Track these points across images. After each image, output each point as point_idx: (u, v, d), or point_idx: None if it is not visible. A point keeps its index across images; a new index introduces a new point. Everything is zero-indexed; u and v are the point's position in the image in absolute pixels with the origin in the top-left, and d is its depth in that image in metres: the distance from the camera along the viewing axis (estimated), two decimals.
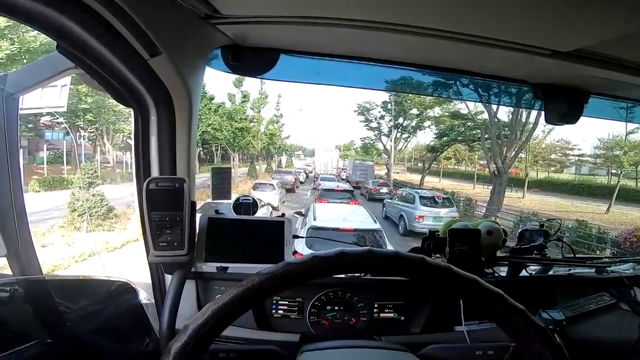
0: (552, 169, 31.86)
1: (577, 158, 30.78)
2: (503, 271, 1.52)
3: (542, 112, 1.45)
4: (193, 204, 1.04)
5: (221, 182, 1.23)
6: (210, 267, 1.18)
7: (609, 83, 1.26)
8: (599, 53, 1.04)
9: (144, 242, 1.06)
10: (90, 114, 17.25)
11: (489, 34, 0.97)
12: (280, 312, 1.30)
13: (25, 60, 11.84)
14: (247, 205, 1.30)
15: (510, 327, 0.53)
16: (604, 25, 0.85)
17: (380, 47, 1.17)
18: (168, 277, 1.13)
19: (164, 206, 0.96)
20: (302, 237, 1.65)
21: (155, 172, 1.06)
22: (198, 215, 1.09)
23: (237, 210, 1.30)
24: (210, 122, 20.07)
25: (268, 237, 1.11)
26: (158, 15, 0.82)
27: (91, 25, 0.73)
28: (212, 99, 21.13)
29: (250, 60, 1.19)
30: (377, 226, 6.22)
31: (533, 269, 1.58)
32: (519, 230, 1.61)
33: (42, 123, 18.40)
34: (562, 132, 31.01)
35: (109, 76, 0.88)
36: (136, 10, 0.75)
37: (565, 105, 1.39)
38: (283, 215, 1.15)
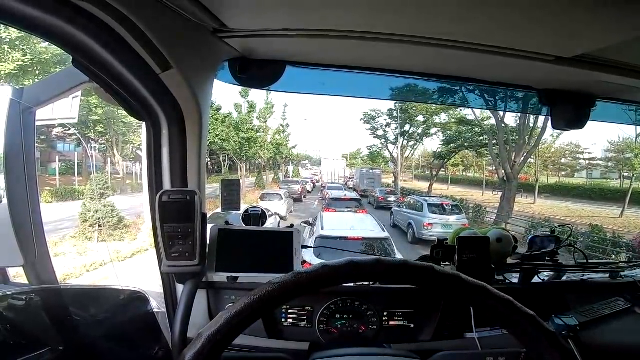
0: (563, 173, 31.43)
1: (587, 162, 30.36)
2: (515, 278, 1.50)
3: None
4: (204, 215, 1.06)
5: (230, 194, 1.25)
6: (221, 276, 1.19)
7: (614, 87, 1.26)
8: (602, 58, 1.05)
9: (156, 253, 1.08)
10: (101, 125, 17.57)
11: (492, 42, 0.98)
12: (290, 320, 1.31)
13: (37, 72, 12.10)
14: (256, 216, 1.31)
15: (520, 333, 0.53)
16: (605, 32, 0.86)
17: (386, 57, 1.19)
18: (179, 287, 1.14)
19: (176, 218, 0.98)
20: (311, 247, 1.65)
21: (167, 184, 1.08)
22: (209, 226, 1.10)
23: (246, 222, 1.32)
24: (217, 133, 20.22)
25: (277, 247, 1.12)
26: (169, 31, 0.85)
27: (106, 41, 0.75)
28: (219, 109, 21.32)
29: (257, 72, 1.21)
30: (385, 235, 6.19)
31: (545, 275, 1.57)
32: (530, 237, 1.59)
33: (54, 135, 18.79)
34: (572, 136, 30.67)
35: (123, 90, 0.91)
36: (149, 27, 0.77)
37: (571, 111, 1.38)
38: (292, 225, 1.16)
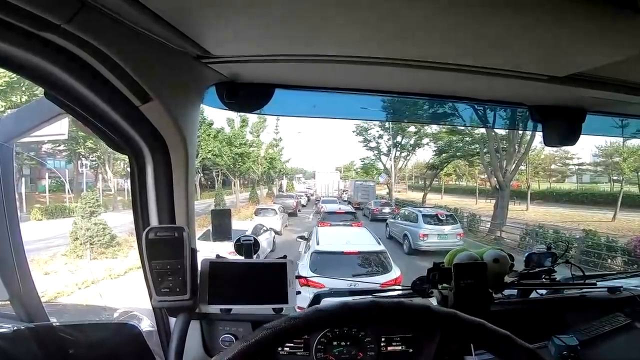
0: (553, 179, 31.94)
1: (577, 167, 30.89)
2: (513, 292, 1.49)
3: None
4: (193, 250, 1.03)
5: (221, 224, 1.23)
6: (214, 309, 1.16)
7: (604, 102, 1.27)
8: (594, 76, 1.05)
9: (146, 287, 1.05)
10: (91, 141, 17.35)
11: (484, 64, 0.98)
12: (287, 349, 1.26)
13: (24, 88, 11.99)
14: (248, 246, 1.28)
15: None
16: (596, 52, 0.87)
17: (377, 79, 1.18)
18: (172, 319, 1.11)
19: (164, 255, 0.95)
20: (305, 277, 1.62)
21: (154, 220, 1.05)
22: (200, 258, 1.07)
23: (238, 251, 1.29)
24: (210, 148, 20.16)
25: (270, 278, 1.09)
26: (148, 61, 0.82)
27: (79, 74, 0.72)
28: (211, 124, 21.28)
29: (246, 96, 1.19)
30: (381, 248, 6.18)
31: (543, 290, 1.55)
32: (526, 254, 1.59)
33: (44, 151, 18.56)
34: None
35: (101, 124, 0.88)
36: (124, 58, 0.74)
37: (563, 126, 1.38)
38: (285, 256, 1.14)
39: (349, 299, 0.56)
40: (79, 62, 0.71)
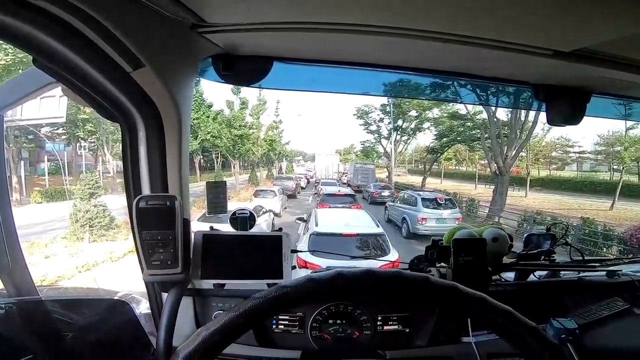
0: (554, 166, 32.00)
1: (577, 155, 30.92)
2: (510, 275, 1.48)
3: (542, 112, 1.42)
4: (186, 221, 1.01)
5: (217, 196, 1.20)
6: (208, 283, 1.14)
7: (610, 82, 1.23)
8: (601, 52, 1.01)
9: (138, 261, 1.03)
10: (90, 124, 17.30)
11: (489, 36, 0.94)
12: (281, 327, 1.26)
13: (20, 71, 11.88)
14: (243, 219, 1.26)
15: (521, 345, 0.52)
16: (606, 25, 0.82)
17: (379, 52, 1.14)
18: (165, 294, 1.10)
19: (154, 225, 0.93)
20: (301, 252, 1.62)
21: (146, 189, 1.02)
22: (193, 231, 1.05)
23: (233, 224, 1.27)
24: (209, 130, 20.06)
25: (266, 252, 1.07)
26: (139, 27, 0.79)
27: (68, 39, 0.70)
28: (210, 106, 21.11)
29: (243, 69, 1.14)
30: (380, 230, 6.19)
31: (541, 273, 1.55)
32: (526, 235, 1.57)
33: (43, 134, 18.50)
34: (562, 130, 31.27)
35: (91, 91, 0.84)
36: (115, 22, 0.71)
37: (567, 106, 1.35)
38: (280, 229, 1.12)
39: (344, 268, 0.54)
40: (69, 28, 0.68)
